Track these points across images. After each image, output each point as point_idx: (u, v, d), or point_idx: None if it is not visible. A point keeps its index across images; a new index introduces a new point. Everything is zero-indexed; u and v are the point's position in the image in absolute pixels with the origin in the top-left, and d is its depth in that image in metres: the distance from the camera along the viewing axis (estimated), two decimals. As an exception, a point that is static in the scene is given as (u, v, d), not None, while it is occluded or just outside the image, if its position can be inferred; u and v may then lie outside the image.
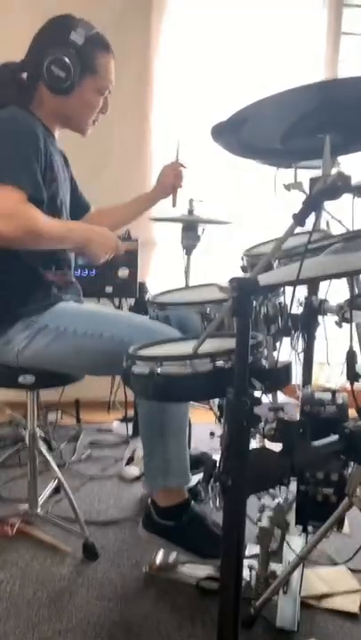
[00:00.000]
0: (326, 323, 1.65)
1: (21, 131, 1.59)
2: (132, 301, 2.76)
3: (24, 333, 1.64)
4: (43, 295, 1.68)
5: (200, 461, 2.15)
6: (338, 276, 1.14)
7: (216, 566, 1.58)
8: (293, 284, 1.13)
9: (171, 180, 2.00)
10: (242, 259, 1.81)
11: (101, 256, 1.68)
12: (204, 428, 2.58)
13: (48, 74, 1.63)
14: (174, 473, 1.66)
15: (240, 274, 1.67)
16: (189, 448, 2.34)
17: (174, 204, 2.07)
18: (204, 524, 1.68)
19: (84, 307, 1.77)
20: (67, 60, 1.61)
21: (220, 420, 1.79)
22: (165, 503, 1.67)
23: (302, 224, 1.03)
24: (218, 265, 2.58)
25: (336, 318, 1.44)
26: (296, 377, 1.56)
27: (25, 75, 1.70)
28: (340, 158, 1.56)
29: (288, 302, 1.52)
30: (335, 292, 1.53)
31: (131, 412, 2.79)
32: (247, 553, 1.56)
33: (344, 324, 1.41)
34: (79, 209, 1.98)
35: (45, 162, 1.63)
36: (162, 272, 3.04)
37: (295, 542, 1.52)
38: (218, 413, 1.85)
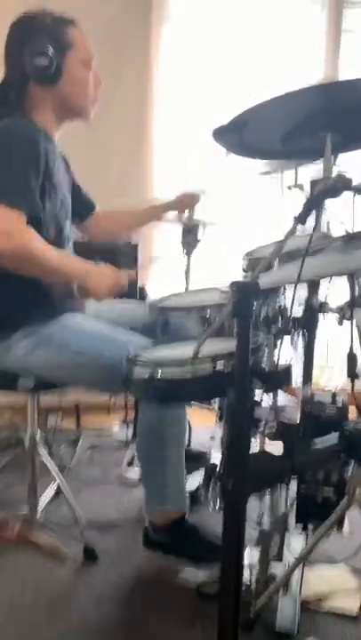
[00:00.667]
0: (327, 322, 1.64)
1: (18, 142, 1.56)
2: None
3: (25, 342, 1.63)
4: (47, 304, 1.66)
5: (199, 456, 2.16)
6: (338, 274, 1.14)
7: (216, 571, 1.58)
8: (294, 284, 1.13)
9: (189, 202, 2.09)
10: (243, 260, 1.81)
11: (102, 291, 1.60)
12: (204, 430, 2.57)
13: (32, 68, 1.62)
14: (171, 499, 1.68)
15: (240, 275, 1.67)
16: (190, 448, 2.36)
17: (190, 220, 2.13)
18: (199, 534, 1.71)
19: (87, 322, 1.74)
20: (43, 46, 1.61)
21: (220, 420, 1.78)
22: (162, 522, 1.70)
23: (303, 223, 1.03)
24: (218, 266, 2.58)
25: (337, 316, 1.44)
26: (296, 377, 1.56)
27: (12, 90, 1.66)
28: (340, 158, 1.56)
29: (288, 303, 1.51)
30: (335, 292, 1.53)
31: (131, 416, 2.78)
32: (247, 558, 1.55)
33: (345, 321, 1.41)
34: (84, 209, 1.98)
35: (46, 169, 1.61)
36: (162, 274, 3.04)
37: (295, 542, 1.52)
38: (218, 414, 1.84)
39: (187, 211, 2.14)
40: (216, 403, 1.78)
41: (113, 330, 1.66)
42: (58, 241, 1.67)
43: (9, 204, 1.49)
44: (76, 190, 1.92)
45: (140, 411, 1.71)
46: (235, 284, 0.95)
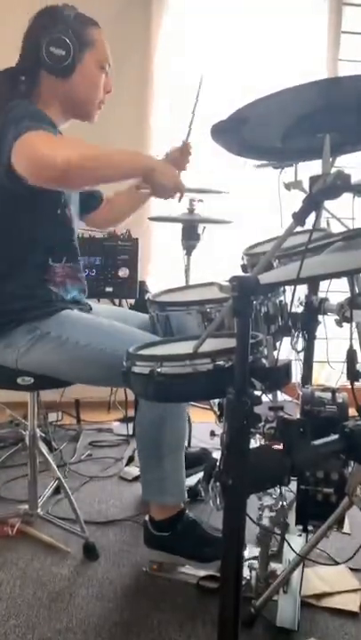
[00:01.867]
0: (326, 322, 1.65)
1: (31, 107, 1.59)
2: (132, 302, 2.76)
3: (25, 338, 1.63)
4: (46, 301, 1.66)
5: (200, 458, 2.16)
6: (338, 275, 1.14)
7: (216, 566, 1.58)
8: (294, 283, 1.13)
9: (180, 161, 1.94)
10: (242, 258, 1.81)
11: (169, 188, 1.58)
12: (204, 427, 2.58)
13: (48, 56, 1.61)
14: (170, 491, 1.68)
15: (240, 273, 1.67)
16: (189, 446, 2.36)
17: (180, 199, 2.07)
18: (199, 529, 1.70)
19: (87, 317, 1.74)
20: (63, 36, 1.60)
21: (220, 420, 1.79)
22: (161, 517, 1.70)
23: (302, 223, 1.03)
24: (218, 264, 2.58)
25: (336, 317, 1.44)
26: (296, 376, 1.56)
27: (23, 77, 1.67)
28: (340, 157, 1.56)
29: (288, 301, 1.52)
30: (336, 290, 1.53)
31: (131, 412, 2.79)
32: (247, 554, 1.56)
33: (344, 323, 1.41)
34: (92, 201, 1.98)
35: None
36: (162, 272, 3.04)
37: (295, 542, 1.52)
38: (218, 413, 1.85)
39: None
40: (216, 404, 1.79)
41: (114, 324, 1.67)
42: (64, 221, 1.68)
43: (37, 129, 1.44)
44: None
45: (140, 403, 1.71)
46: (235, 279, 0.95)
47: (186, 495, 1.75)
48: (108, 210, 2.05)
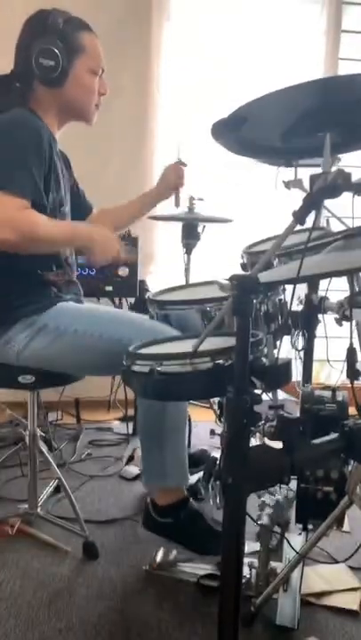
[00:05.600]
0: (326, 320, 1.64)
1: (22, 133, 1.57)
2: (132, 300, 2.76)
3: (24, 333, 1.63)
4: (42, 295, 1.67)
5: (200, 459, 2.16)
6: (338, 274, 1.14)
7: (216, 564, 1.58)
8: (294, 281, 1.13)
9: (173, 180, 2.01)
10: (242, 257, 1.81)
11: (102, 258, 1.66)
12: (204, 426, 2.58)
13: (39, 68, 1.61)
14: (172, 474, 1.67)
15: (240, 272, 1.67)
16: (189, 446, 2.36)
17: (177, 204, 2.09)
18: (202, 520, 1.69)
19: (84, 307, 1.76)
20: (52, 47, 1.60)
21: (220, 420, 1.79)
22: (163, 502, 1.68)
23: (302, 222, 1.03)
24: (218, 263, 2.58)
25: (336, 316, 1.44)
26: (296, 375, 1.56)
27: (18, 84, 1.67)
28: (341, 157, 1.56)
29: (288, 300, 1.52)
30: (336, 289, 1.53)
31: (131, 412, 2.79)
32: (247, 550, 1.56)
33: (344, 322, 1.41)
34: (82, 211, 1.97)
35: (49, 165, 1.62)
36: (162, 270, 3.04)
37: (295, 540, 1.52)
38: (218, 412, 1.85)
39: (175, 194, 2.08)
40: (216, 403, 1.79)
41: (110, 311, 1.67)
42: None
43: (12, 192, 1.50)
44: (75, 192, 1.92)
45: (139, 398, 1.71)
46: (235, 278, 0.95)
47: (188, 478, 1.74)
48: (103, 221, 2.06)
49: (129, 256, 1.71)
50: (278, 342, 1.38)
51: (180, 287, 1.92)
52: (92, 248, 1.64)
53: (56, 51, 1.60)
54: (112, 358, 1.45)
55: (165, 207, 2.18)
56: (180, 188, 2.03)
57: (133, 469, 2.29)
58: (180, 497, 1.69)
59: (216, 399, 1.88)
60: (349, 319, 1.36)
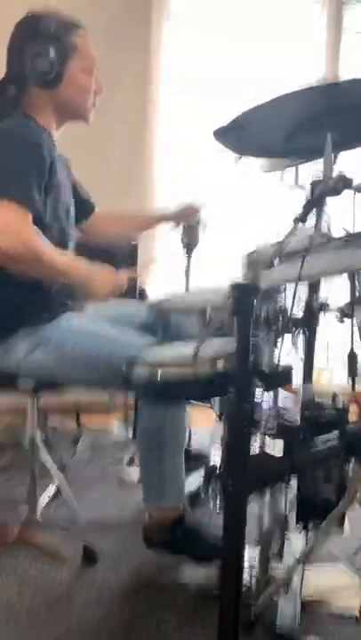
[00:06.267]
0: (328, 319, 1.64)
1: (19, 144, 1.56)
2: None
3: (25, 343, 1.62)
4: (46, 304, 1.65)
5: (200, 461, 2.15)
6: (337, 273, 1.14)
7: (217, 567, 1.58)
8: (294, 282, 1.13)
9: (188, 218, 2.10)
10: (243, 263, 1.80)
11: (104, 295, 1.63)
12: (204, 429, 2.57)
13: (32, 71, 1.61)
14: (169, 494, 1.68)
15: (241, 275, 1.67)
16: (189, 448, 2.35)
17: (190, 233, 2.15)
18: (199, 533, 1.70)
19: (87, 323, 1.74)
20: (45, 50, 1.59)
21: (220, 419, 1.78)
22: (160, 521, 1.69)
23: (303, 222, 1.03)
24: (219, 265, 2.57)
25: (337, 314, 1.44)
26: (297, 377, 1.55)
27: (12, 87, 1.66)
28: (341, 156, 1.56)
29: (289, 302, 1.51)
30: (336, 290, 1.53)
31: (131, 415, 2.78)
32: (247, 555, 1.55)
33: (345, 319, 1.41)
34: (83, 210, 1.97)
35: (50, 169, 1.61)
36: (162, 273, 3.03)
37: (295, 542, 1.52)
38: (218, 413, 1.84)
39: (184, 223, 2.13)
40: (216, 404, 1.78)
41: (113, 329, 1.66)
42: (59, 242, 1.66)
43: (15, 202, 1.49)
44: (75, 191, 1.92)
45: (140, 409, 1.71)
46: (234, 287, 0.95)
47: (185, 498, 1.74)
48: (104, 225, 2.06)
49: (130, 275, 1.69)
50: (279, 344, 1.38)
51: (181, 294, 1.92)
52: (90, 285, 1.61)
53: (49, 54, 1.60)
54: (109, 375, 1.46)
55: (165, 207, 2.18)
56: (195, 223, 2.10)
57: (133, 473, 2.28)
58: (177, 515, 1.69)
59: (217, 399, 1.88)
60: (350, 316, 1.35)
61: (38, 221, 1.56)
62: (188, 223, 2.08)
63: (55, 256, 1.56)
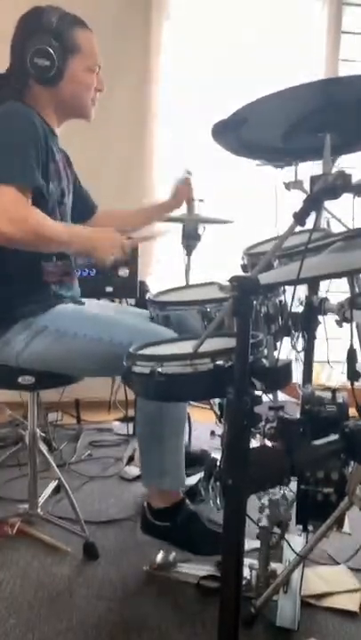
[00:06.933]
0: (327, 322, 1.65)
1: (16, 126, 1.56)
2: (132, 301, 2.76)
3: (23, 334, 1.63)
4: (42, 296, 1.67)
5: (200, 460, 2.15)
6: (338, 275, 1.14)
7: (216, 564, 1.58)
8: (294, 283, 1.13)
9: (186, 194, 2.06)
10: (242, 258, 1.81)
11: (107, 259, 1.63)
12: (204, 426, 2.58)
13: (33, 67, 1.61)
14: (169, 477, 1.68)
15: (240, 273, 1.67)
16: (190, 446, 2.36)
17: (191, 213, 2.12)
18: (199, 522, 1.70)
19: (84, 309, 1.75)
20: (46, 46, 1.59)
21: (220, 421, 1.79)
22: (160, 505, 1.70)
23: (303, 223, 1.03)
24: (218, 264, 2.58)
25: (337, 317, 1.44)
26: (297, 376, 1.56)
27: (14, 80, 1.66)
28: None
29: (288, 301, 1.52)
30: (336, 291, 1.53)
31: (131, 412, 2.79)
32: (246, 548, 1.56)
33: (344, 323, 1.41)
34: (85, 210, 1.97)
35: (47, 155, 1.61)
36: (162, 271, 3.04)
37: (295, 542, 1.52)
38: (218, 413, 1.85)
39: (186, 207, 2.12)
40: (216, 404, 1.79)
41: (110, 315, 1.67)
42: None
43: (11, 182, 1.49)
44: (78, 189, 1.92)
45: (139, 399, 1.71)
46: (235, 279, 0.95)
47: (185, 481, 1.74)
48: (107, 222, 2.06)
49: (132, 242, 1.68)
50: (279, 343, 1.38)
51: (181, 288, 1.92)
52: (94, 251, 1.61)
53: (51, 50, 1.60)
54: (111, 361, 1.46)
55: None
56: (192, 198, 2.07)
57: (134, 470, 2.29)
58: (177, 500, 1.70)
59: (216, 400, 1.88)
60: (350, 321, 1.36)
61: (39, 197, 1.57)
62: (188, 198, 2.07)
63: (56, 229, 1.58)
